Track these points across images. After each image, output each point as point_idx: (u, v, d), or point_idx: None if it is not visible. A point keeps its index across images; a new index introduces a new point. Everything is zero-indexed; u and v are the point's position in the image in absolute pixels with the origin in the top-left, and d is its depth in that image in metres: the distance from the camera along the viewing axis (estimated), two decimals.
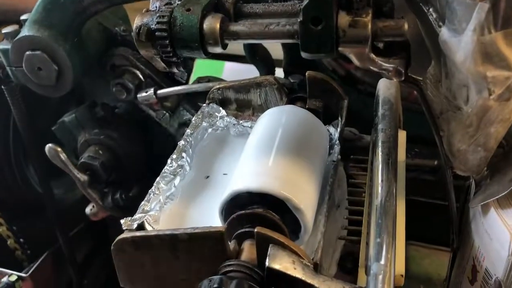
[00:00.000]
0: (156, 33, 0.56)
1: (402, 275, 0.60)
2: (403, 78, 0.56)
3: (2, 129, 1.10)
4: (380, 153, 0.61)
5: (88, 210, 1.04)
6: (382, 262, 0.49)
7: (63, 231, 1.18)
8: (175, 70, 0.62)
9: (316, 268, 0.54)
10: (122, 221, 0.65)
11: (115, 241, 0.60)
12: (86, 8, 0.82)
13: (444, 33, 0.54)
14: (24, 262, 1.24)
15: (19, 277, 1.11)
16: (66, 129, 1.05)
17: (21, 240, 1.21)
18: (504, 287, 0.61)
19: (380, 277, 0.48)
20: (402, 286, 0.60)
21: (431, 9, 0.57)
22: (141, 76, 0.96)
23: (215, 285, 0.50)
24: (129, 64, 0.97)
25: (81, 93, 1.13)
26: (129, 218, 0.66)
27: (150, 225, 0.67)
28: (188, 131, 0.82)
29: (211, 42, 0.56)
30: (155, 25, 0.56)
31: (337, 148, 0.77)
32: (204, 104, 0.88)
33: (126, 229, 0.64)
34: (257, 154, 0.68)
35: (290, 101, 0.86)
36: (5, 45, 0.87)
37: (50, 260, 1.21)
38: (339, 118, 0.83)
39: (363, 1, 0.52)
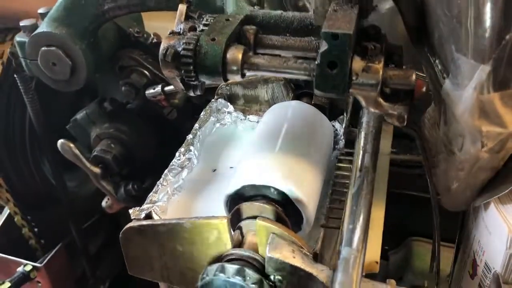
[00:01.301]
0: (182, 59, 0.58)
1: (377, 262, 0.63)
2: (405, 124, 0.59)
3: (18, 122, 1.13)
4: (361, 144, 0.64)
5: (103, 203, 1.07)
6: (353, 247, 0.51)
7: (76, 224, 1.21)
8: (191, 93, 0.65)
9: (316, 257, 0.56)
10: (130, 210, 0.67)
11: (123, 230, 0.63)
12: (105, 12, 0.84)
13: (448, 85, 0.58)
14: (38, 252, 1.27)
15: (34, 267, 1.14)
16: (79, 126, 1.08)
17: (36, 230, 1.24)
18: (502, 280, 0.62)
19: (351, 261, 0.50)
20: (377, 272, 0.63)
21: (437, 61, 0.61)
22: (148, 75, 0.99)
23: (217, 272, 0.53)
24: (136, 64, 1.00)
25: (95, 88, 1.16)
26: (137, 208, 0.69)
27: (158, 215, 0.69)
28: (196, 125, 0.84)
29: (232, 71, 0.59)
30: (181, 50, 0.59)
31: (341, 143, 0.79)
32: (213, 100, 0.90)
33: (134, 219, 0.66)
34: (262, 148, 0.70)
35: (297, 97, 0.88)
36: (22, 37, 0.89)
37: (63, 251, 1.24)
38: (345, 114, 0.85)
39: (376, 49, 0.55)
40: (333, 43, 0.52)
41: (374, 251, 0.64)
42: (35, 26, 0.87)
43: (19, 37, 0.89)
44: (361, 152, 0.63)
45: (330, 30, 0.52)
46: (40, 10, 0.89)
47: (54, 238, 1.25)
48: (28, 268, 1.14)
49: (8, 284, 1.09)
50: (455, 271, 0.82)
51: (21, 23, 0.88)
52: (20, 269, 1.13)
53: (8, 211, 1.21)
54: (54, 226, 1.26)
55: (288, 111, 0.76)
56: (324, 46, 0.53)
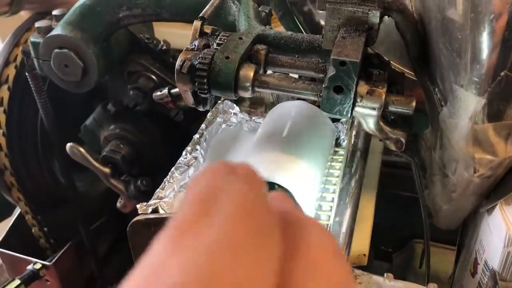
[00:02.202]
0: (197, 72, 0.62)
1: (365, 255, 0.65)
2: (403, 149, 0.62)
3: (30, 121, 1.16)
4: (351, 142, 0.66)
5: (118, 203, 1.09)
6: (339, 239, 0.52)
7: (85, 224, 1.23)
8: (201, 108, 0.68)
9: None
10: (138, 206, 0.70)
11: (130, 223, 0.65)
12: (120, 19, 0.87)
13: (445, 113, 0.61)
14: (48, 252, 1.29)
15: (43, 265, 1.16)
16: (89, 132, 1.11)
17: (46, 230, 1.26)
18: (499, 277, 0.63)
19: None
20: (365, 265, 0.65)
21: (436, 89, 0.64)
22: (155, 79, 1.02)
23: None
24: (143, 69, 1.02)
25: (106, 90, 1.19)
26: (145, 203, 0.71)
27: (164, 211, 0.71)
28: (203, 125, 0.86)
29: (243, 88, 0.62)
30: (197, 64, 0.62)
31: (344, 144, 0.80)
32: (219, 101, 0.92)
33: (141, 213, 0.68)
34: (265, 146, 0.72)
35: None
36: (36, 38, 0.91)
37: (72, 250, 1.26)
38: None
39: (381, 75, 0.58)
40: (340, 69, 0.55)
41: (363, 245, 0.67)
42: (49, 28, 0.90)
43: (33, 38, 0.91)
44: (350, 149, 0.66)
45: (338, 57, 0.55)
46: (55, 12, 0.91)
47: (64, 238, 1.27)
48: (38, 266, 1.16)
49: (18, 281, 1.11)
50: (457, 270, 0.82)
51: (36, 24, 0.91)
52: (29, 267, 1.15)
53: (19, 211, 1.23)
54: (64, 226, 1.27)
55: (292, 110, 0.78)
56: (331, 71, 0.56)
